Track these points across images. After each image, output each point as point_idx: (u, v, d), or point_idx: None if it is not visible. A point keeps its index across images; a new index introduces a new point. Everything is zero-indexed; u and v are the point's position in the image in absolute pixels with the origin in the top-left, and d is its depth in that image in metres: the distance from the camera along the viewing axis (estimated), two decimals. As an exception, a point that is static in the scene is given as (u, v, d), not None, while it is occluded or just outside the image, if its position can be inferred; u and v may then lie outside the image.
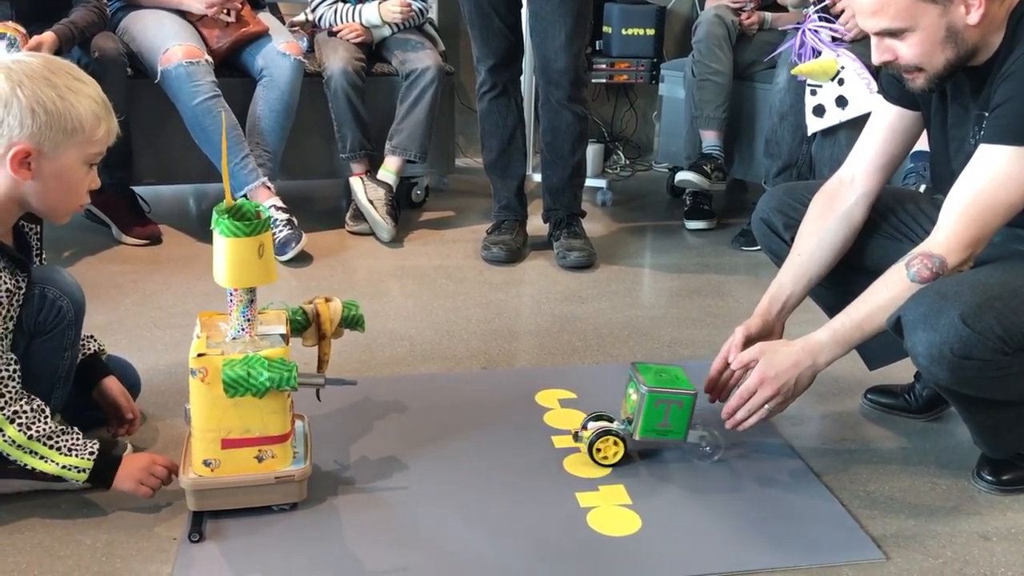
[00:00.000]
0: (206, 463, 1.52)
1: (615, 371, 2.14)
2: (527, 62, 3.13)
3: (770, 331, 1.77)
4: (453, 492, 1.66)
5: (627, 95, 4.06)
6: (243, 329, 1.53)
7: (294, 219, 2.77)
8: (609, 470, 1.73)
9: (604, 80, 3.64)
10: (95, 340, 1.77)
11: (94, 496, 1.59)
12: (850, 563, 1.51)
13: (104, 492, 1.56)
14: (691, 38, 3.14)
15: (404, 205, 3.20)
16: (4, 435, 1.46)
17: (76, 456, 1.50)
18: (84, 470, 1.51)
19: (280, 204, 2.78)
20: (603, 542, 1.54)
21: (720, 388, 1.76)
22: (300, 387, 1.51)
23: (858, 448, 1.86)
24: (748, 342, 1.72)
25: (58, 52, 2.56)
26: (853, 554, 1.53)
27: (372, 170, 3.03)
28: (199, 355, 1.47)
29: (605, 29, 3.59)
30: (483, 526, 1.57)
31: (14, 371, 1.48)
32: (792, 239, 1.81)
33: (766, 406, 1.63)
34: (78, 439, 1.52)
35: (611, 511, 1.62)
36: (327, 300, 1.70)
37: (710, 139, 3.11)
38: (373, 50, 3.16)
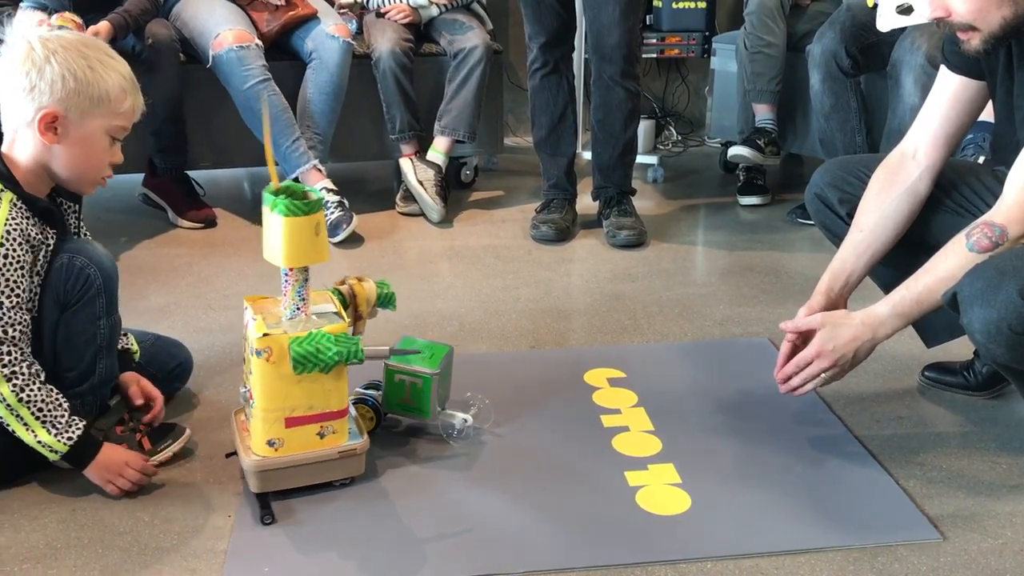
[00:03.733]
0: (270, 443, 1.53)
1: (665, 350, 2.13)
2: (579, 39, 3.10)
3: (832, 309, 1.73)
4: (501, 470, 1.66)
5: (678, 70, 4.00)
6: (298, 308, 1.55)
7: (345, 201, 2.79)
8: (659, 449, 1.72)
9: (655, 55, 3.59)
10: (126, 338, 1.78)
11: (156, 476, 1.63)
12: (906, 543, 1.48)
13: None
14: (743, 10, 3.08)
15: (453, 185, 3.20)
16: None
17: (55, 436, 1.51)
18: (57, 451, 1.53)
19: (331, 186, 2.80)
20: (652, 521, 1.53)
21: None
22: (366, 359, 1.53)
23: (914, 426, 1.82)
24: None
25: (113, 40, 2.61)
26: (909, 534, 1.50)
27: (422, 151, 3.04)
28: (264, 335, 1.49)
29: (656, 3, 3.54)
30: (532, 505, 1.57)
31: (22, 332, 1.51)
32: (848, 214, 1.77)
33: (822, 375, 1.61)
34: (64, 416, 1.53)
35: (660, 490, 1.61)
36: (360, 280, 1.71)
37: (763, 113, 3.06)
38: (421, 30, 3.16)
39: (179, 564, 1.43)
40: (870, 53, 2.69)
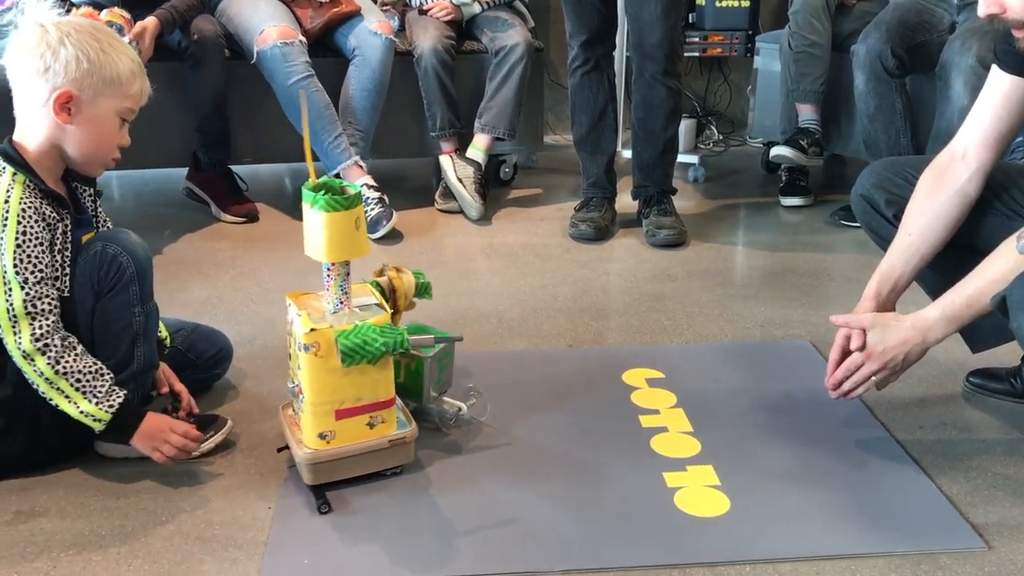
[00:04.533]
0: (322, 436, 1.55)
1: (705, 351, 2.11)
2: (620, 37, 3.09)
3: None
4: (539, 469, 1.66)
5: (721, 69, 3.97)
6: (341, 302, 1.56)
7: (385, 197, 2.81)
8: (698, 450, 1.71)
9: (697, 53, 3.56)
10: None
11: (195, 465, 1.65)
12: (949, 551, 1.45)
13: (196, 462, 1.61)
14: (788, 9, 3.05)
15: (493, 183, 3.20)
16: (35, 366, 1.51)
17: (97, 405, 1.53)
18: (101, 420, 1.54)
19: (372, 183, 2.82)
20: (691, 522, 1.52)
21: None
22: (412, 349, 1.55)
23: (959, 432, 1.79)
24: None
25: (160, 36, 2.65)
26: (952, 542, 1.48)
27: (462, 148, 3.04)
28: (311, 330, 1.50)
29: (698, 1, 3.51)
30: (569, 504, 1.57)
31: (53, 307, 1.53)
32: (894, 216, 1.74)
33: (872, 379, 1.59)
34: (104, 386, 1.55)
35: (699, 492, 1.60)
36: (398, 271, 1.72)
37: (807, 113, 3.03)
38: (463, 28, 3.17)
39: (220, 554, 1.44)
40: (917, 54, 2.65)
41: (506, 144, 3.12)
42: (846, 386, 1.62)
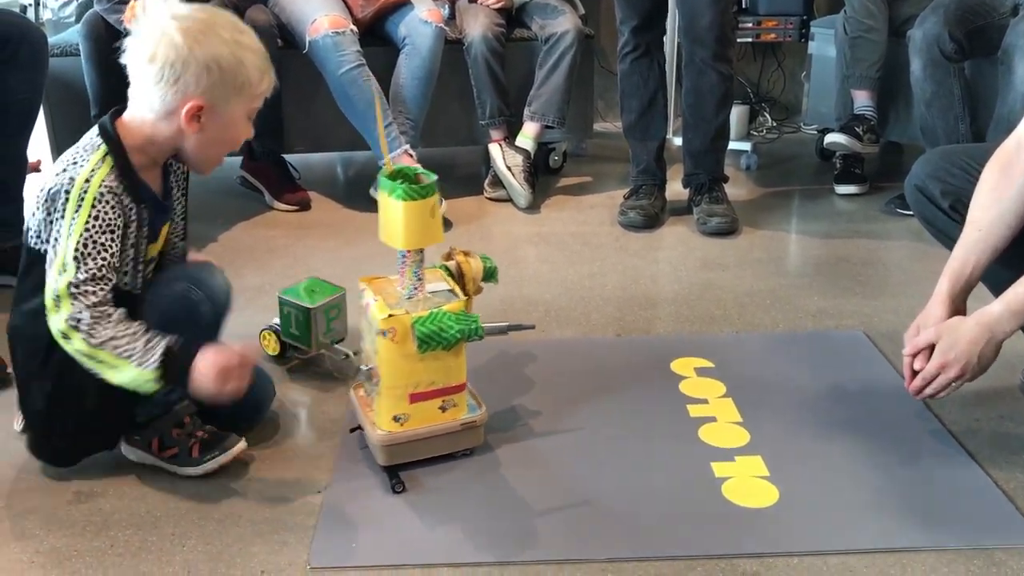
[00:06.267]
0: (396, 419, 1.57)
1: (756, 341, 2.09)
2: (671, 22, 3.06)
3: (955, 315, 1.64)
4: (586, 459, 1.66)
5: (774, 54, 3.91)
6: (416, 288, 1.58)
7: (435, 186, 2.82)
8: (747, 440, 1.69)
9: (750, 39, 3.50)
10: None
11: (248, 451, 1.68)
12: (1004, 547, 1.42)
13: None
14: (844, -7, 2.99)
15: (542, 171, 3.20)
16: (72, 344, 1.45)
17: (140, 366, 1.44)
18: (149, 380, 1.45)
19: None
20: (739, 513, 1.51)
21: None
22: (486, 336, 1.57)
23: (1016, 426, 1.75)
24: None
25: (214, 26, 2.68)
26: (1008, 537, 1.45)
27: (511, 136, 3.04)
28: (389, 316, 1.52)
29: (752, -15, 3.46)
30: (616, 493, 1.57)
31: (102, 297, 1.46)
32: (950, 207, 1.70)
33: (952, 384, 1.56)
34: (141, 344, 1.45)
35: (747, 482, 1.59)
36: (466, 256, 1.73)
37: (862, 99, 2.97)
38: (513, 15, 3.16)
39: (270, 536, 1.47)
40: (977, 38, 2.58)
41: (555, 132, 3.11)
42: (927, 392, 1.58)
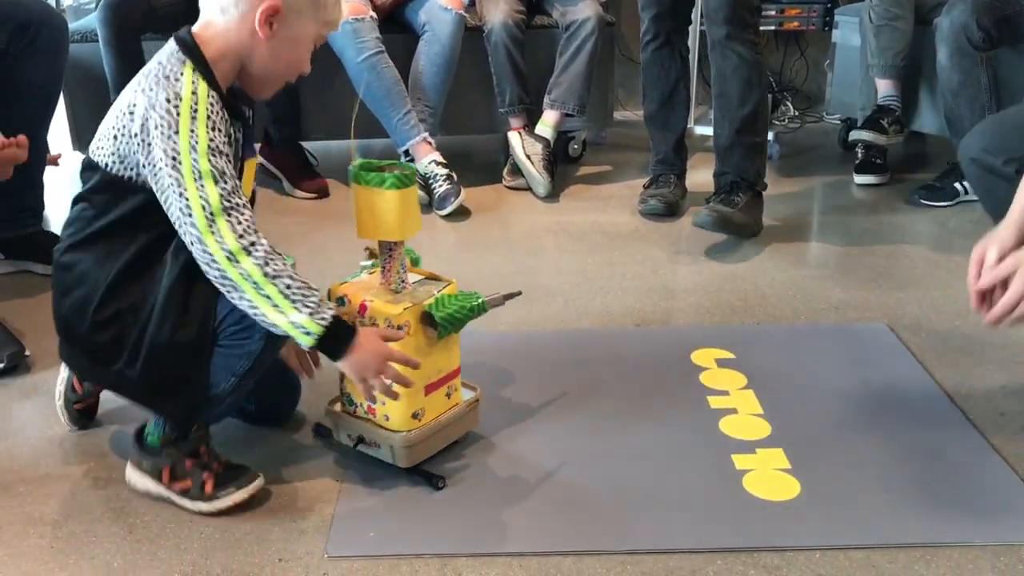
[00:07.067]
0: (414, 415, 1.54)
1: (777, 332, 2.07)
2: (696, 13, 3.02)
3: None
4: (606, 450, 1.65)
5: (797, 43, 3.87)
6: (403, 281, 1.56)
7: (453, 174, 2.81)
8: (768, 432, 1.68)
9: (773, 27, 3.47)
10: None
11: (266, 439, 1.68)
12: (1030, 543, 1.41)
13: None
14: (869, -19, 2.95)
15: (561, 160, 3.18)
16: (240, 267, 1.34)
17: (311, 316, 1.36)
18: (312, 333, 1.36)
19: (440, 159, 2.82)
20: (760, 506, 1.50)
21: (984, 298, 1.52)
22: (489, 308, 1.57)
23: (1044, 421, 1.73)
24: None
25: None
26: (1034, 534, 1.43)
27: (531, 124, 3.02)
28: (404, 309, 1.48)
29: (776, -27, 3.42)
30: (635, 484, 1.55)
31: (246, 204, 1.39)
32: (1016, 172, 1.62)
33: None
34: (315, 298, 1.38)
35: (769, 475, 1.57)
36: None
37: (886, 89, 2.93)
38: (533, 2, 3.13)
39: (288, 525, 1.47)
40: (1006, 26, 2.54)
41: (575, 120, 3.09)
42: (1006, 322, 1.44)
